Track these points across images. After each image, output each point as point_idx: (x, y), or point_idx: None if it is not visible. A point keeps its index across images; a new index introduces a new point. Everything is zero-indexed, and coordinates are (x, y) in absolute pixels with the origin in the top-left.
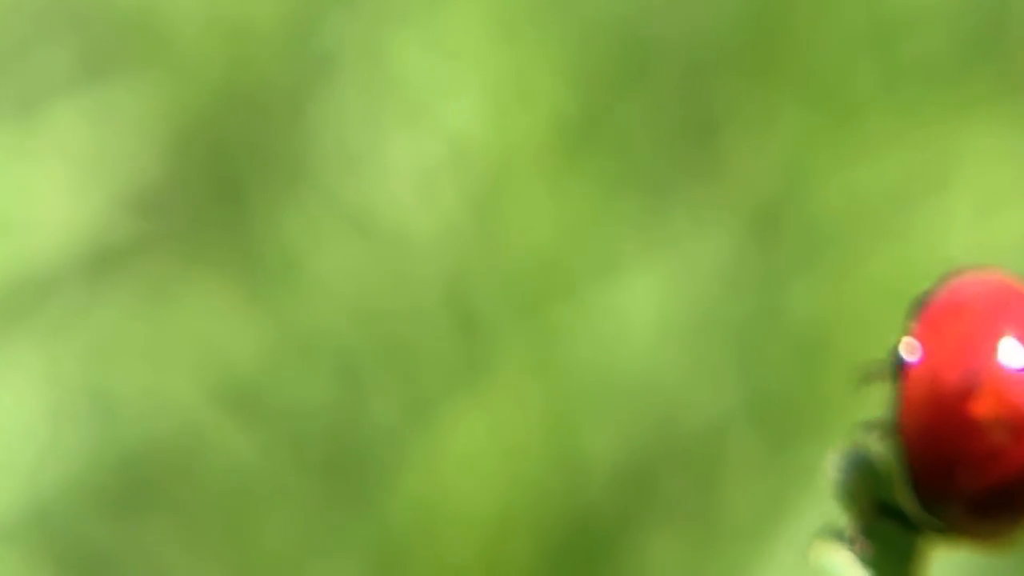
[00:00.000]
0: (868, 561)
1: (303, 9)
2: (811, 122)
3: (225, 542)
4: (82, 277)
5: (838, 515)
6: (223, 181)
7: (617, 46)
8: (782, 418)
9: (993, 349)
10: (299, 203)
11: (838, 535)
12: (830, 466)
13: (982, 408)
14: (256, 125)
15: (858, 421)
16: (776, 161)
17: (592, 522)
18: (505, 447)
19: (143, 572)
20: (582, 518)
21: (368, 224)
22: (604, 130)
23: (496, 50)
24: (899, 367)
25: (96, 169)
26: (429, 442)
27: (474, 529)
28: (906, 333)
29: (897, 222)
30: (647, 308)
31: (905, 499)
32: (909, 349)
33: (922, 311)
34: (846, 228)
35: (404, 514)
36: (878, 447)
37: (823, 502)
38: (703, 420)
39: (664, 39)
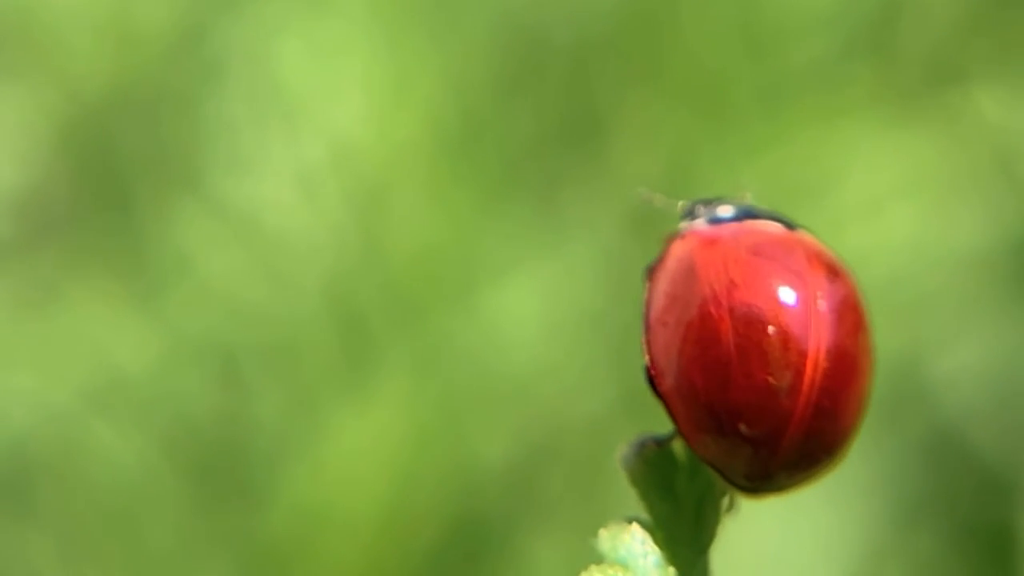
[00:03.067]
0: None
1: (191, 14)
2: (695, 125)
3: (104, 546)
4: None
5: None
6: (109, 183)
7: (502, 51)
8: (660, 415)
9: None
10: (185, 206)
11: (632, 519)
12: (621, 458)
13: None
14: (143, 128)
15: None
16: (660, 164)
17: (476, 523)
18: (389, 450)
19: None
20: (466, 519)
21: (254, 227)
22: (489, 133)
23: (378, 55)
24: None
25: None
26: (313, 445)
27: (357, 532)
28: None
29: None
30: (531, 309)
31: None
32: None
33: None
34: None
35: (287, 518)
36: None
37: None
38: (585, 418)
39: (549, 44)
